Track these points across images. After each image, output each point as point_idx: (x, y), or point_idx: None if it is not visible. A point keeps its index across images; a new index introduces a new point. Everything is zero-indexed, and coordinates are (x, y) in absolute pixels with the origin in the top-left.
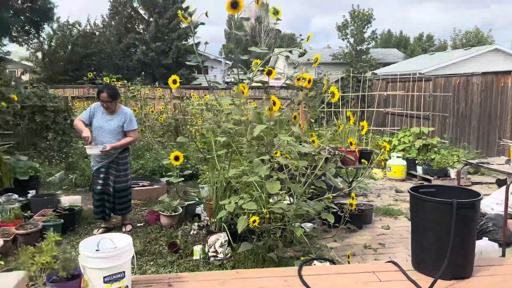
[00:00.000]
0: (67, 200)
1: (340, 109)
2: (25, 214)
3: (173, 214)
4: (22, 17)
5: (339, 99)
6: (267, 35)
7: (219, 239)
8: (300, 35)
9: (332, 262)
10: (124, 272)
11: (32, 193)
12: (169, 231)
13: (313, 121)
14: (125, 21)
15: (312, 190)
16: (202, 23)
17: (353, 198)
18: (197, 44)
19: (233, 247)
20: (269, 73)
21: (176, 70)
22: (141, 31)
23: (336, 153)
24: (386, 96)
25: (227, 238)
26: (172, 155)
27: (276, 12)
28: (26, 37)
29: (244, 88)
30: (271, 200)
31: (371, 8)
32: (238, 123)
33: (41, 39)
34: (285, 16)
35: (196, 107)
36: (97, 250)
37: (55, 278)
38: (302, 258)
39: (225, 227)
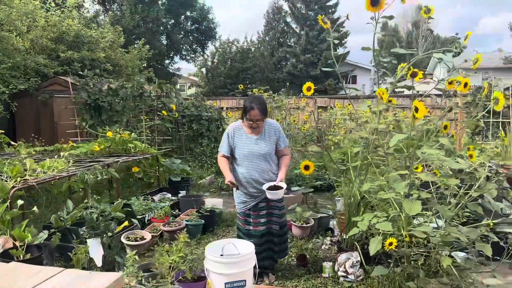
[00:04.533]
0: (210, 202)
1: None
2: (174, 212)
3: (304, 225)
4: (190, 38)
5: (509, 107)
6: (425, 40)
7: (350, 259)
8: (457, 34)
9: None
10: (245, 280)
11: (182, 193)
12: (299, 243)
13: (469, 131)
14: (278, 36)
15: (468, 214)
16: (342, 28)
17: None
18: (346, 54)
19: (366, 269)
20: (413, 75)
21: (324, 80)
22: (292, 44)
23: (501, 171)
24: None
25: (359, 258)
26: (302, 165)
27: (428, 11)
28: (193, 55)
29: (382, 94)
30: (414, 222)
31: None
32: (376, 133)
33: (205, 56)
34: (447, 18)
35: (339, 117)
36: (221, 255)
37: (181, 278)
38: None
39: (358, 246)
